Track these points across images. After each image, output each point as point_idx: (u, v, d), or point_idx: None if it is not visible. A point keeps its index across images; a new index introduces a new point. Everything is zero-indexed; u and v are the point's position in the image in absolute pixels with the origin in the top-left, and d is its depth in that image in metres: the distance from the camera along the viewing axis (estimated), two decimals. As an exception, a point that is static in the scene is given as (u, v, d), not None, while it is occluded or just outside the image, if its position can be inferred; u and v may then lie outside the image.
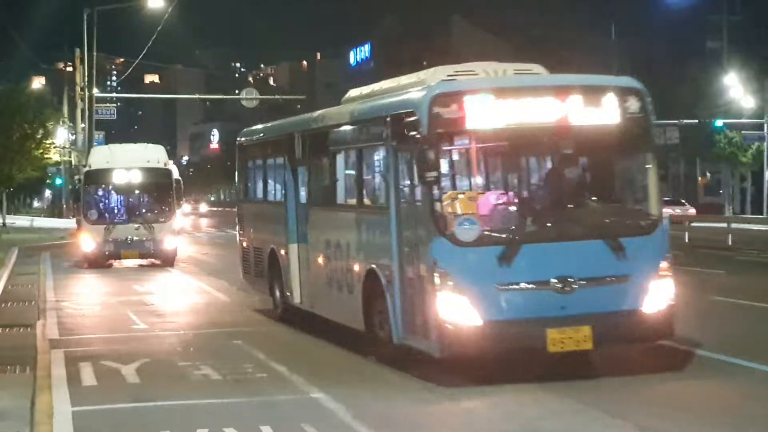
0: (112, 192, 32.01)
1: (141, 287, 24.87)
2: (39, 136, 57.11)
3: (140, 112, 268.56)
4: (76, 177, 44.00)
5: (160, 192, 31.78)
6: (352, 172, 14.86)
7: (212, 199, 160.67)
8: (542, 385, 11.86)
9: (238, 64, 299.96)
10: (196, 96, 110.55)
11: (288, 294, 17.37)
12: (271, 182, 19.24)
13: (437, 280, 11.67)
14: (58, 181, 73.00)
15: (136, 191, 31.93)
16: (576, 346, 11.87)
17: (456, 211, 12.32)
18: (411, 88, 13.47)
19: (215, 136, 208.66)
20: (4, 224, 58.87)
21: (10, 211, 69.07)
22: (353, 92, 16.19)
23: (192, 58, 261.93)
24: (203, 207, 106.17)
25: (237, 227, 21.75)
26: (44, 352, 14.86)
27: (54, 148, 62.07)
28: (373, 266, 13.33)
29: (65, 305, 21.21)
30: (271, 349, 15.07)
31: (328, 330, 15.96)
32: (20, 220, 67.89)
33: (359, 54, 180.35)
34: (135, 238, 30.43)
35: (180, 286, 25.19)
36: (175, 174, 32.95)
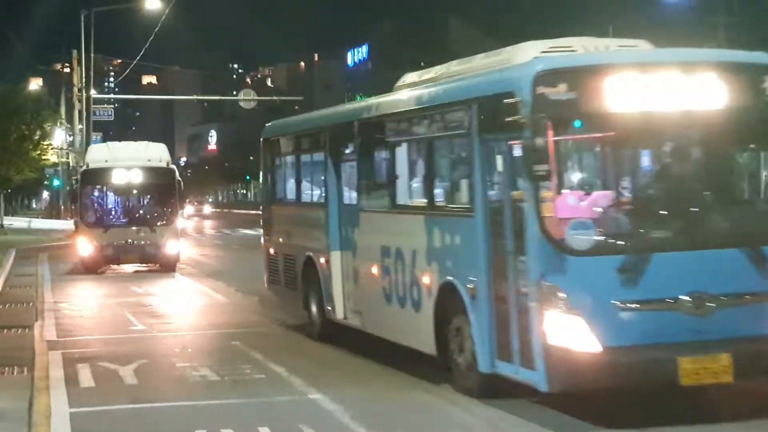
0: (111, 192, 30.63)
1: (139, 288, 24.85)
2: (36, 138, 57.01)
3: (138, 114, 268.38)
4: (74, 177, 43.27)
5: (161, 193, 29.95)
6: (420, 168, 12.94)
7: (210, 200, 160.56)
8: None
9: (235, 66, 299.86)
10: (194, 97, 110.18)
11: (329, 308, 15.26)
12: (306, 181, 16.96)
13: (544, 296, 9.79)
14: (56, 183, 73.00)
15: (137, 192, 30.33)
16: (714, 378, 9.83)
17: (565, 213, 10.21)
18: (495, 68, 11.46)
19: (213, 137, 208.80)
20: (1, 226, 58.78)
21: (7, 212, 69.02)
22: (409, 77, 14.21)
23: (190, 59, 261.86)
24: (207, 209, 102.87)
25: (262, 232, 19.34)
26: (42, 354, 14.86)
27: (51, 149, 61.95)
28: (451, 279, 11.45)
29: (63, 306, 21.20)
30: (270, 350, 15.06)
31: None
32: (18, 222, 67.82)
33: (357, 55, 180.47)
34: (135, 242, 28.67)
35: (178, 288, 25.18)
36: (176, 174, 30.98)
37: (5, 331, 17.37)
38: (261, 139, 18.93)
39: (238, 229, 62.23)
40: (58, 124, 64.96)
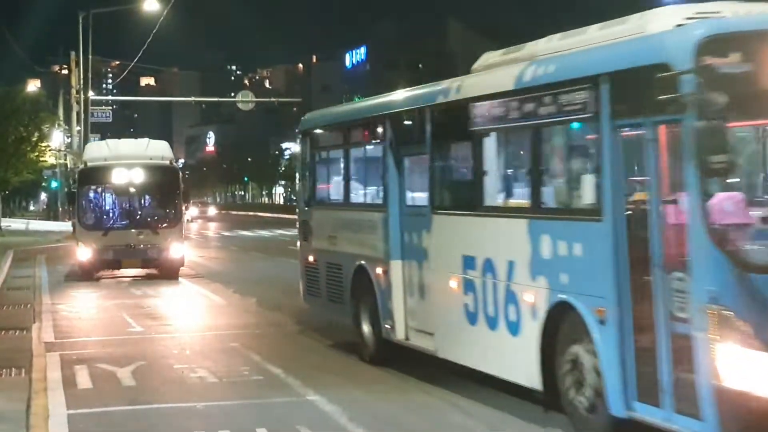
0: (111, 193, 28.69)
1: (137, 290, 24.83)
2: (34, 139, 57.03)
3: (136, 115, 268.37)
4: (71, 178, 42.10)
5: (165, 192, 28.06)
6: (521, 161, 11.10)
7: (209, 201, 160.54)
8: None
9: (233, 67, 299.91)
10: (192, 99, 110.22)
11: (386, 327, 13.28)
12: (357, 179, 14.90)
13: (716, 325, 7.75)
14: (54, 185, 73.00)
15: (138, 192, 28.18)
16: None
17: (736, 219, 8.09)
18: (625, 37, 9.42)
19: (211, 138, 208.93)
20: (-1, 227, 58.79)
21: (5, 214, 68.97)
22: (491, 56, 12.20)
23: (188, 60, 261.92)
24: (212, 210, 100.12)
25: (298, 237, 17.22)
26: (40, 356, 14.85)
27: (49, 151, 62.00)
28: (566, 298, 9.42)
29: (61, 308, 21.18)
30: (267, 351, 15.05)
31: (329, 335, 15.93)
32: (15, 224, 67.77)
33: (355, 56, 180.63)
34: (136, 246, 26.72)
35: (176, 289, 25.15)
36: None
37: (3, 332, 17.35)
38: (299, 132, 16.96)
39: (236, 231, 62.22)
40: (56, 126, 64.93)
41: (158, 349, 15.72)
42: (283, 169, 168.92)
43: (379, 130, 13.70)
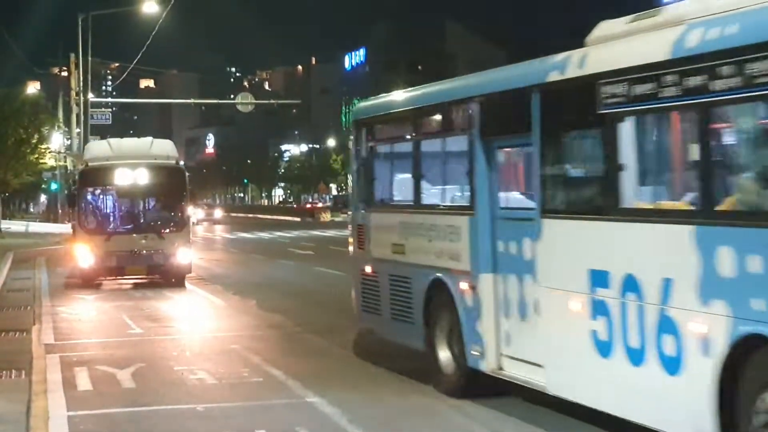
0: (113, 194, 26.78)
1: (137, 292, 24.83)
2: (34, 141, 57.11)
3: (135, 117, 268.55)
4: (71, 179, 40.46)
5: (171, 194, 26.31)
6: (678, 150, 8.86)
7: (215, 203, 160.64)
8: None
9: (233, 69, 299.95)
10: (192, 101, 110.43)
11: (473, 353, 11.15)
12: (431, 176, 12.75)
13: None
14: (54, 186, 73.02)
15: (142, 193, 26.54)
16: None
17: None
18: None
19: (211, 140, 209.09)
20: (-1, 229, 58.80)
21: (5, 216, 68.96)
22: (612, 25, 9.78)
23: (187, 63, 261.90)
24: (218, 213, 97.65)
25: (353, 243, 14.83)
26: (40, 357, 14.85)
27: (49, 152, 62.08)
28: (758, 331, 7.36)
29: (61, 310, 21.18)
30: (267, 353, 15.07)
31: (328, 336, 15.93)
32: (15, 225, 67.79)
33: (354, 58, 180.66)
34: (141, 251, 25.14)
35: (176, 291, 25.13)
36: None
37: (3, 334, 17.37)
38: (353, 122, 14.90)
39: (237, 233, 62.24)
40: (56, 128, 65.03)
41: (158, 351, 15.72)
42: (282, 171, 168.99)
43: (465, 116, 11.48)
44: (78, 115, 56.35)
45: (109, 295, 24.35)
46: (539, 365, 10.08)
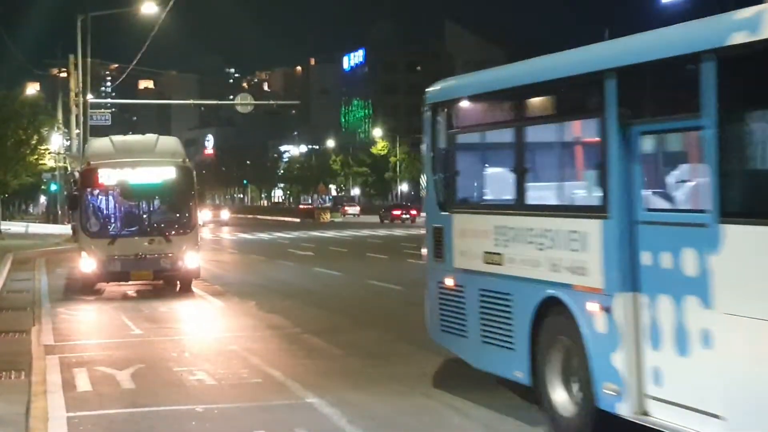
0: (117, 195, 25.13)
1: (136, 293, 24.83)
2: (34, 142, 57.05)
3: (135, 118, 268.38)
4: (72, 179, 39.06)
5: (177, 194, 24.90)
6: None
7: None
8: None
9: (232, 70, 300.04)
10: (191, 102, 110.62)
11: (608, 392, 8.95)
12: (542, 170, 10.75)
13: None
14: (53, 188, 73.02)
15: (148, 194, 24.90)
16: None
17: None
18: None
19: (210, 141, 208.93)
20: (-1, 230, 58.79)
21: (5, 217, 68.95)
22: None
23: (186, 63, 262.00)
24: (225, 214, 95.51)
25: (429, 251, 12.61)
26: (39, 358, 14.85)
27: (49, 154, 62.05)
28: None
29: (60, 311, 21.17)
30: (266, 354, 15.08)
31: (326, 336, 15.90)
32: (15, 227, 67.75)
33: (353, 59, 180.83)
34: (147, 255, 23.77)
35: (175, 292, 25.12)
36: None
37: (2, 335, 17.37)
38: (427, 106, 12.60)
39: (236, 234, 62.25)
40: (55, 129, 64.98)
41: (157, 352, 15.72)
42: (281, 171, 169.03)
43: (594, 95, 9.25)
44: (77, 116, 56.33)
45: (108, 296, 24.33)
46: (714, 415, 7.78)
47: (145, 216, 25.09)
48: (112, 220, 25.32)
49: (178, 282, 24.67)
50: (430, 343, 13.01)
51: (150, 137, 26.57)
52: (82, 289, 24.39)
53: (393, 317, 19.35)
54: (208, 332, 17.94)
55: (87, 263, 23.91)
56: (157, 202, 25.26)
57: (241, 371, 13.70)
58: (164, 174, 24.50)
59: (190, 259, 24.02)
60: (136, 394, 12.47)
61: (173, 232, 24.19)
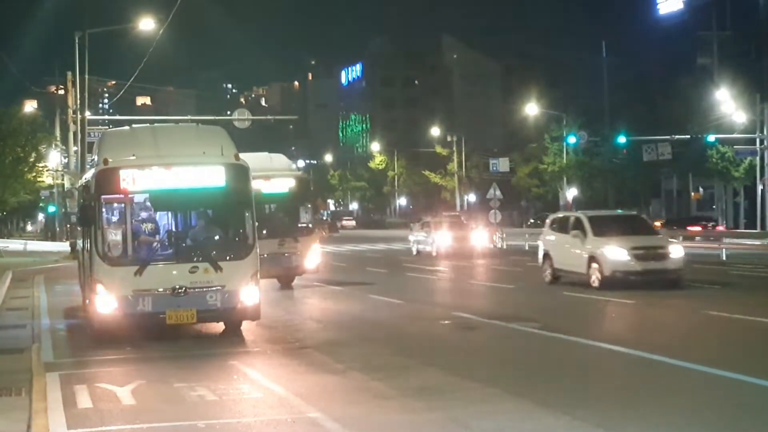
0: (147, 207, 19.31)
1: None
2: (31, 160, 57.20)
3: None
4: (79, 184, 29.72)
5: (230, 206, 18.37)
6: None
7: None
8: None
9: (229, 85, 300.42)
10: (188, 117, 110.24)
11: None
12: None
13: None
14: (51, 209, 73.00)
15: (188, 206, 18.95)
16: None
17: None
18: None
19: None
20: (-3, 248, 58.78)
21: (3, 234, 69.05)
22: None
23: (183, 79, 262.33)
24: None
25: None
26: (39, 376, 14.81)
27: (47, 171, 62.14)
28: None
29: (60, 328, 21.13)
30: (267, 369, 15.04)
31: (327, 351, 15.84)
32: (13, 244, 67.79)
33: (351, 74, 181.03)
34: (190, 288, 17.50)
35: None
36: None
37: (2, 353, 17.32)
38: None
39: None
40: (53, 146, 65.09)
41: (158, 368, 15.67)
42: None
43: None
44: (75, 133, 56.38)
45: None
46: None
47: (185, 236, 18.72)
48: (141, 243, 18.44)
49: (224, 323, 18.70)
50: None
51: (188, 127, 20.82)
52: (95, 340, 18.21)
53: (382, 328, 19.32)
54: (208, 347, 17.83)
55: (104, 303, 17.51)
56: (201, 217, 18.79)
57: (242, 386, 13.65)
58: (211, 178, 17.94)
59: (248, 295, 17.82)
60: (137, 410, 12.42)
61: (224, 258, 17.81)
